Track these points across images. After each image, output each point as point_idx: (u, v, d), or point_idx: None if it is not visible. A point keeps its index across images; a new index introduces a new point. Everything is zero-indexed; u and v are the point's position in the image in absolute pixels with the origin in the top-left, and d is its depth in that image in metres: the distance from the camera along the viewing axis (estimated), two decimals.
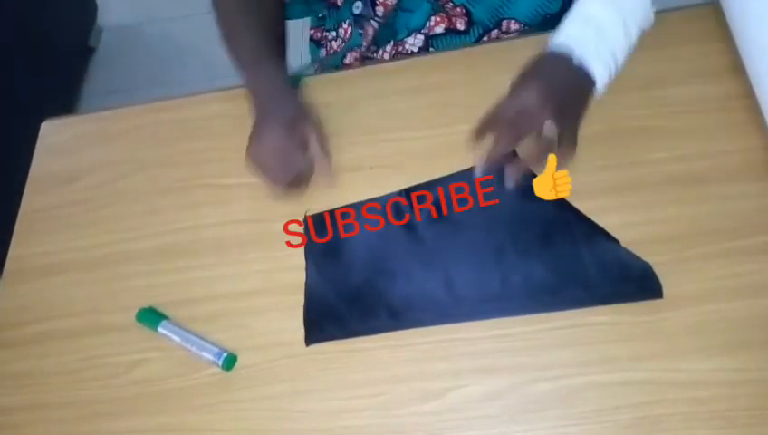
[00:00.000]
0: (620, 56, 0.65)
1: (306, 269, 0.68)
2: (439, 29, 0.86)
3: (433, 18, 0.85)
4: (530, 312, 0.62)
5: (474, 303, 0.63)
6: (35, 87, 1.77)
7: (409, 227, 0.67)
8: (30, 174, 0.85)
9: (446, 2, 0.84)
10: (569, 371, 0.59)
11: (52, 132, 0.88)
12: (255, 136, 0.71)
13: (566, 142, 0.64)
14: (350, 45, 0.90)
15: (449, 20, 0.85)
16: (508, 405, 0.59)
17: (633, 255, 0.62)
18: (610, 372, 0.58)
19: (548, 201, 0.65)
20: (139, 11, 2.19)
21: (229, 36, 0.79)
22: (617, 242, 0.63)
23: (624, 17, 0.65)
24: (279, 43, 0.84)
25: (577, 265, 0.62)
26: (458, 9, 0.84)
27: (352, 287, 0.66)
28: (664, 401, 0.56)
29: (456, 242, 0.66)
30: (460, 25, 0.85)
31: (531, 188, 0.64)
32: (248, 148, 0.71)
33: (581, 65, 0.64)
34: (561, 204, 0.65)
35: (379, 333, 0.64)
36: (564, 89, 0.64)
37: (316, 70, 0.93)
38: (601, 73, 0.64)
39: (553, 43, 0.66)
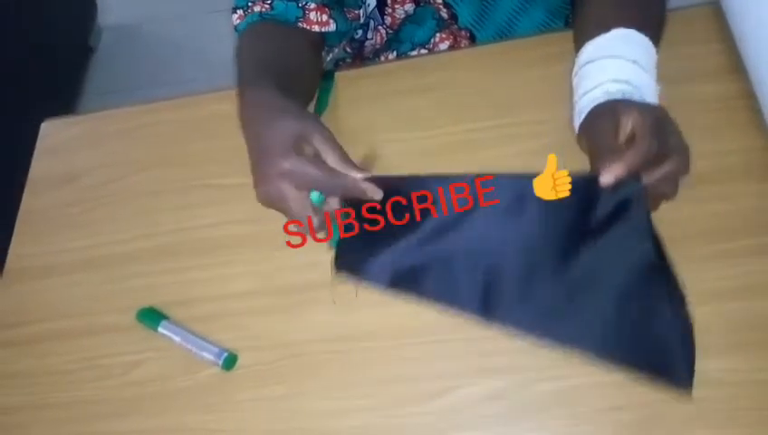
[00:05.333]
0: None
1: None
2: (444, 45, 0.86)
3: (438, 35, 0.86)
4: (550, 337, 0.58)
5: (508, 308, 0.60)
6: (35, 87, 1.77)
7: (483, 216, 0.61)
8: (29, 174, 0.85)
9: (452, 23, 0.84)
10: (569, 371, 0.59)
11: (51, 132, 0.88)
12: (256, 171, 0.60)
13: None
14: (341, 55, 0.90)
15: (454, 38, 0.86)
16: (508, 405, 0.59)
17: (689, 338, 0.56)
18: (611, 372, 0.58)
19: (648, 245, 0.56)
20: (138, 11, 2.19)
21: (239, 72, 0.70)
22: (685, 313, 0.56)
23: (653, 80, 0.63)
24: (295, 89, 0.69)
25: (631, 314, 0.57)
26: (463, 32, 0.85)
27: (396, 245, 0.62)
28: (664, 401, 0.56)
29: (526, 243, 0.60)
30: (464, 45, 0.86)
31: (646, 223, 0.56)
32: (255, 189, 0.60)
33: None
34: (661, 255, 0.57)
35: (403, 294, 0.62)
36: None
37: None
38: None
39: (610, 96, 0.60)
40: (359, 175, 0.59)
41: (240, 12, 0.76)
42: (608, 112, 0.58)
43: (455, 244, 0.62)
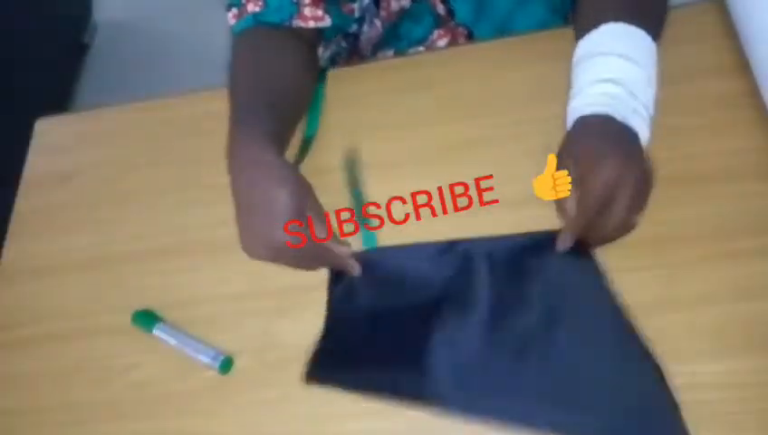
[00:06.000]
0: (651, 105, 0.62)
1: (329, 301, 0.65)
2: (441, 42, 0.86)
3: (436, 32, 0.85)
4: (534, 427, 0.56)
5: (477, 396, 0.58)
6: (29, 85, 1.76)
7: (445, 290, 0.63)
8: (24, 173, 0.84)
9: (449, 20, 0.83)
10: None
11: (46, 131, 0.87)
12: (251, 233, 0.61)
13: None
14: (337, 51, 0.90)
15: (452, 35, 0.85)
16: None
17: (667, 387, 0.55)
18: None
19: (601, 299, 0.59)
20: (134, 7, 2.18)
21: (232, 88, 0.71)
22: (656, 365, 0.56)
23: (648, 71, 0.62)
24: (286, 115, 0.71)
25: (604, 392, 0.56)
26: (460, 29, 0.84)
27: (368, 343, 0.62)
28: None
29: (482, 318, 0.61)
30: (462, 42, 0.85)
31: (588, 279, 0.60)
32: (248, 245, 0.62)
33: (625, 123, 0.59)
34: (616, 308, 0.59)
35: (377, 399, 0.60)
36: (627, 150, 0.58)
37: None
38: (641, 126, 0.60)
39: (583, 110, 0.61)
40: (344, 251, 0.64)
41: (235, 10, 0.75)
42: (572, 156, 0.60)
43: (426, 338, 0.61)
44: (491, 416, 0.57)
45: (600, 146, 0.58)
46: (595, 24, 0.64)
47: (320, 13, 0.75)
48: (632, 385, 0.57)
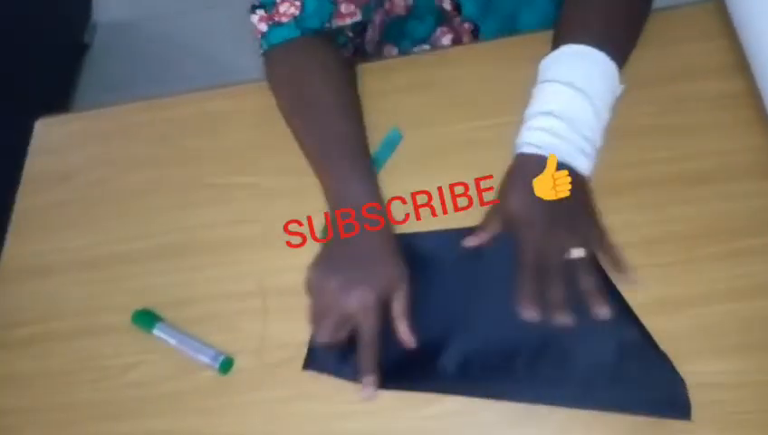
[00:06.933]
0: (597, 137, 0.63)
1: None
2: (446, 40, 0.85)
3: (439, 29, 0.85)
4: (539, 401, 0.57)
5: (478, 377, 0.59)
6: (29, 84, 1.76)
7: (438, 276, 0.63)
8: (24, 173, 0.84)
9: (455, 16, 0.83)
10: None
11: (46, 130, 0.87)
12: (331, 270, 0.62)
13: (600, 242, 0.61)
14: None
15: (455, 33, 0.85)
16: (508, 409, 0.58)
17: (669, 363, 0.56)
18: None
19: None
20: (134, 7, 2.18)
21: (302, 113, 0.71)
22: (655, 345, 0.57)
23: (592, 101, 0.62)
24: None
25: (606, 360, 0.57)
26: (465, 25, 0.84)
27: None
28: None
29: (477, 298, 0.62)
30: (466, 40, 0.85)
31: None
32: (315, 273, 0.62)
33: (562, 163, 0.61)
34: (608, 288, 0.59)
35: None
36: (559, 202, 0.60)
37: None
38: (583, 163, 0.62)
39: (524, 150, 0.63)
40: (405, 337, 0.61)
41: (262, 12, 0.72)
42: (502, 193, 0.64)
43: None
44: (493, 395, 0.58)
45: (516, 185, 0.63)
46: (560, 41, 0.65)
47: (353, 8, 0.74)
48: (634, 352, 0.58)
